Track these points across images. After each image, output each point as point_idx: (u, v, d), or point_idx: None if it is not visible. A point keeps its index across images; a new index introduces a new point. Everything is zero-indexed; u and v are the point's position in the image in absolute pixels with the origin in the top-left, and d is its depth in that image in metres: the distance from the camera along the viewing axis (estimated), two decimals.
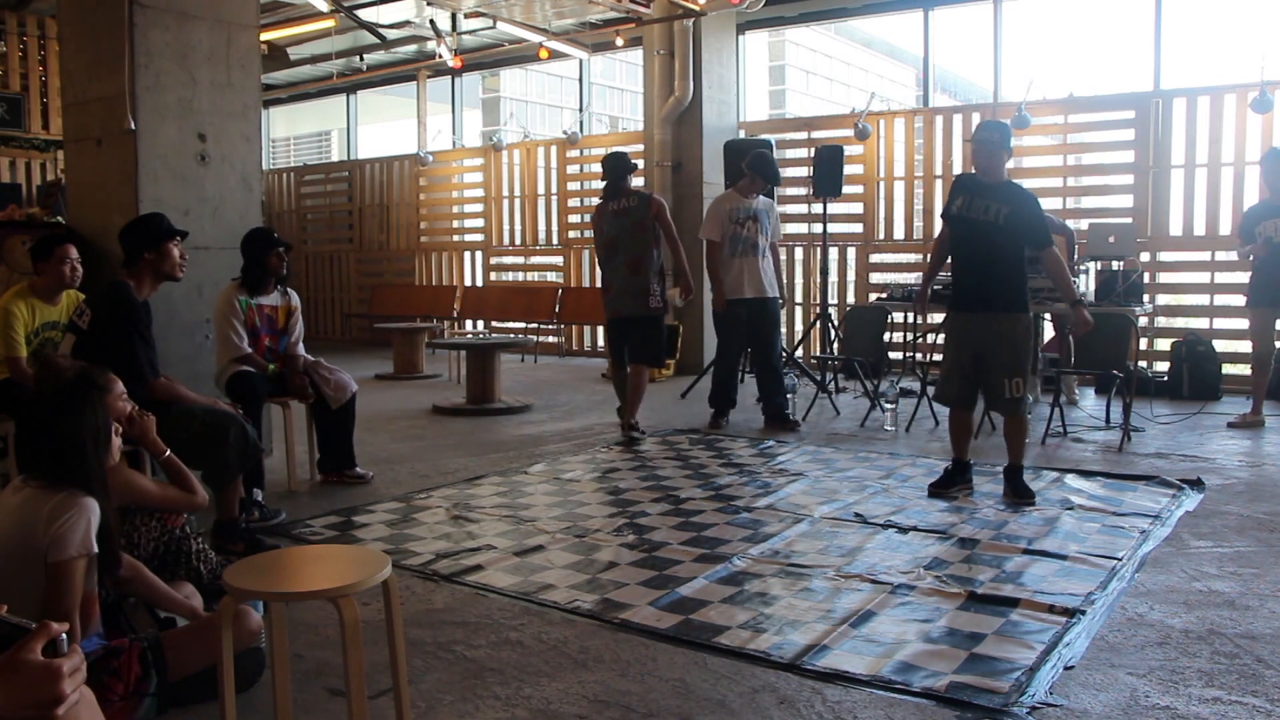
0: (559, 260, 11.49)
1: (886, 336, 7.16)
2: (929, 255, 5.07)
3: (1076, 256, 7.13)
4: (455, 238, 12.62)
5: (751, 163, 6.48)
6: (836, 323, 8.22)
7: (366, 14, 9.59)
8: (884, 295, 7.33)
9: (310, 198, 14.11)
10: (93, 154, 5.04)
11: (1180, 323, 8.49)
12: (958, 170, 8.96)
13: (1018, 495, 4.39)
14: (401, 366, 9.48)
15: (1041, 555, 3.59)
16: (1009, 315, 4.38)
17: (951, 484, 4.60)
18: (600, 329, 11.20)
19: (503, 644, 2.83)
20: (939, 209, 8.95)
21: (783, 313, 9.73)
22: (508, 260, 12.07)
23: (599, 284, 10.90)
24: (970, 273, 4.49)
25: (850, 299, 9.43)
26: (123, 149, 4.88)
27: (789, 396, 6.79)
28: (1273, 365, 6.47)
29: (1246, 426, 6.21)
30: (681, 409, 7.28)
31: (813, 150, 8.96)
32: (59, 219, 6.16)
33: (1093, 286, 6.92)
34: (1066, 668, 2.61)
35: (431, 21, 10.03)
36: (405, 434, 6.31)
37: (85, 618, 2.20)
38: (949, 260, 4.67)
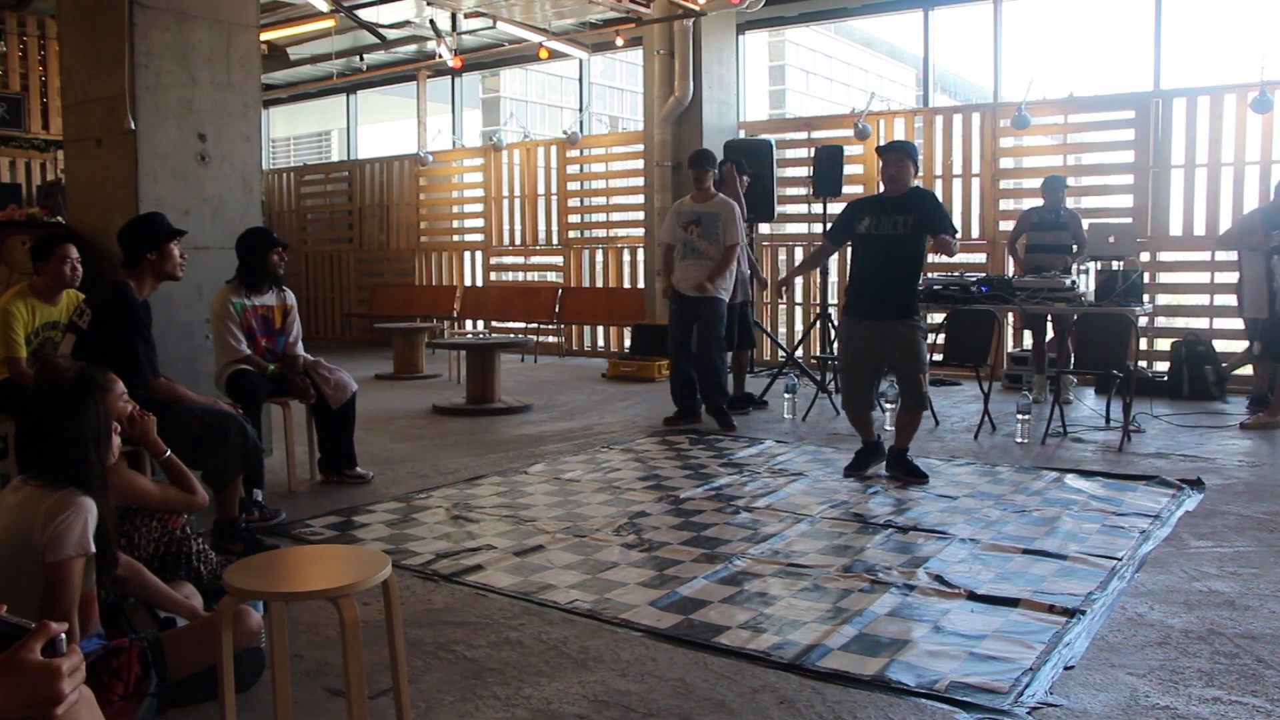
0: (559, 260, 11.49)
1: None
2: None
3: (1078, 252, 7.14)
4: (455, 238, 12.62)
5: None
6: (836, 323, 8.21)
7: (366, 14, 9.59)
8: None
9: (310, 198, 14.11)
10: (93, 154, 5.04)
11: (1180, 323, 8.49)
12: (958, 170, 8.97)
13: (910, 475, 4.82)
14: (401, 366, 9.48)
15: (1041, 555, 3.58)
16: (904, 322, 4.79)
17: (866, 465, 4.98)
18: (599, 329, 11.23)
19: (503, 644, 2.83)
20: None
21: (782, 311, 9.84)
22: (508, 260, 12.07)
23: (600, 284, 10.99)
24: (870, 284, 4.85)
25: None
26: (123, 149, 4.88)
27: (788, 397, 6.81)
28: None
29: (1261, 428, 6.14)
30: None
31: (813, 150, 8.95)
32: (59, 219, 6.17)
33: (1093, 286, 6.92)
34: (1066, 668, 2.61)
35: (431, 21, 10.03)
36: (405, 434, 6.31)
37: (84, 618, 2.20)
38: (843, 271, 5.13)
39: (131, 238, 3.82)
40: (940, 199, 5.43)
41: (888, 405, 6.40)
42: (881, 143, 9.21)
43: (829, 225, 5.29)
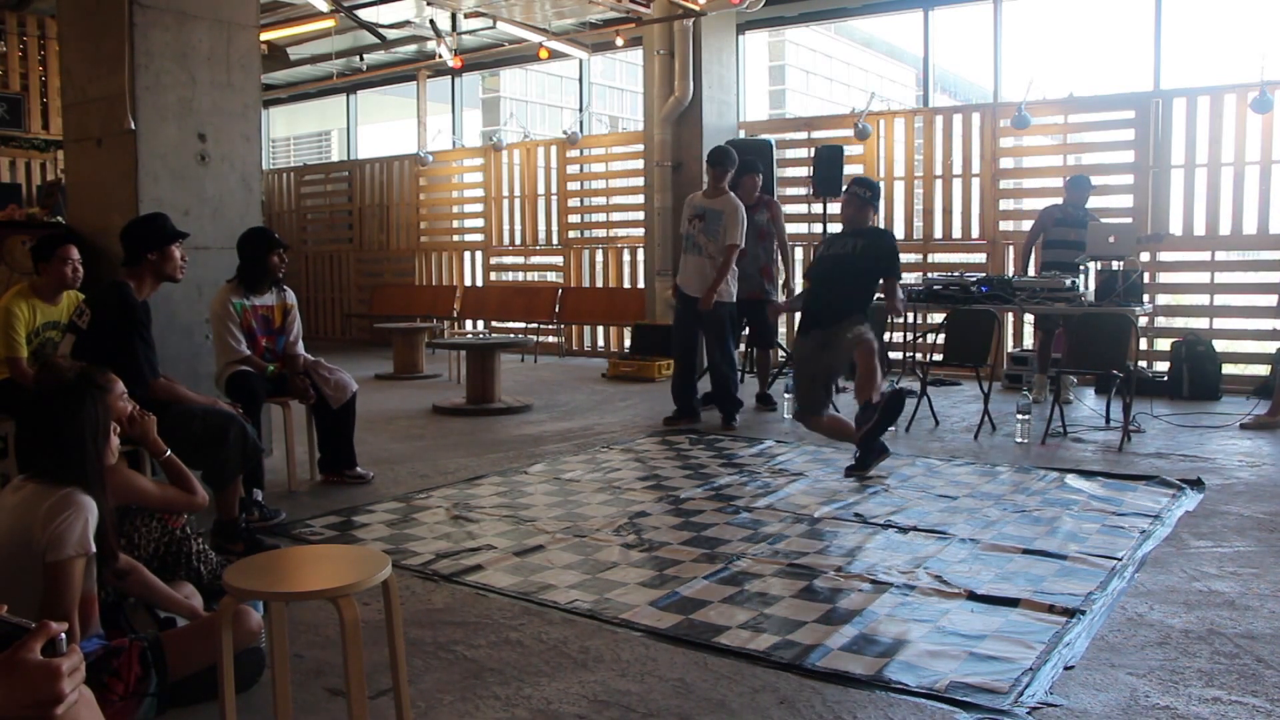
0: (559, 260, 11.49)
1: (887, 336, 7.16)
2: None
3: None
4: (455, 238, 12.63)
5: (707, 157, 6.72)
6: None
7: (366, 14, 9.59)
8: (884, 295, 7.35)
9: (310, 198, 14.12)
10: (93, 154, 5.04)
11: (1180, 323, 8.49)
12: (958, 170, 8.97)
13: (867, 418, 4.84)
14: (401, 366, 9.48)
15: (1041, 555, 3.58)
16: (846, 322, 4.93)
17: (868, 464, 4.91)
18: (599, 329, 11.23)
19: (503, 644, 2.83)
20: (939, 209, 9.02)
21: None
22: (508, 260, 12.08)
23: (600, 284, 11.00)
24: (820, 293, 5.10)
25: None
26: (123, 149, 4.88)
27: (789, 397, 6.81)
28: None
29: (1260, 428, 6.13)
30: None
31: (813, 150, 8.96)
32: (59, 219, 6.17)
33: (1093, 286, 6.92)
34: (1066, 668, 2.61)
35: (431, 21, 10.03)
36: (405, 434, 6.31)
37: (85, 618, 2.20)
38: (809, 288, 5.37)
39: (133, 237, 3.82)
40: (896, 238, 5.59)
41: None
42: (887, 140, 9.23)
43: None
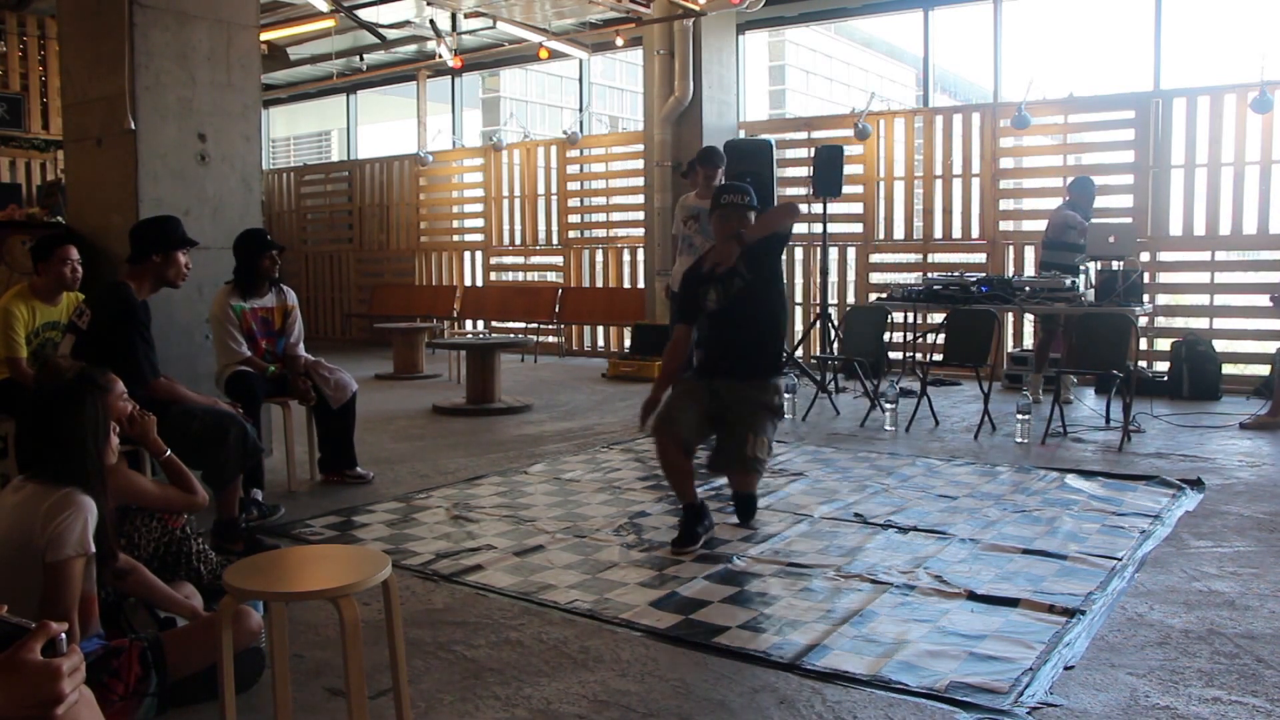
0: (559, 260, 11.49)
1: (886, 336, 7.17)
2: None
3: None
4: (455, 238, 12.63)
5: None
6: (836, 323, 8.22)
7: (366, 14, 9.59)
8: (884, 295, 7.36)
9: (310, 198, 14.12)
10: (93, 154, 5.04)
11: (1180, 323, 8.50)
12: (958, 170, 8.97)
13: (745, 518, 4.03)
14: (401, 366, 9.48)
15: (1041, 555, 3.58)
16: (765, 382, 3.98)
17: (693, 534, 3.77)
18: (599, 329, 11.23)
19: (503, 644, 2.83)
20: (939, 209, 9.01)
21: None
22: (508, 260, 12.08)
23: (600, 284, 10.99)
24: (732, 348, 4.01)
25: (850, 299, 9.44)
26: (123, 149, 4.88)
27: (788, 396, 6.81)
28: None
29: (1261, 428, 6.13)
30: None
31: (813, 150, 8.96)
32: (59, 219, 6.16)
33: (1093, 286, 6.93)
34: (1066, 668, 2.61)
35: (431, 21, 10.04)
36: (405, 434, 6.31)
37: (85, 618, 2.20)
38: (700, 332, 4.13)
39: (142, 238, 3.82)
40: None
41: (887, 405, 6.40)
42: (887, 140, 9.22)
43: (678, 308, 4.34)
